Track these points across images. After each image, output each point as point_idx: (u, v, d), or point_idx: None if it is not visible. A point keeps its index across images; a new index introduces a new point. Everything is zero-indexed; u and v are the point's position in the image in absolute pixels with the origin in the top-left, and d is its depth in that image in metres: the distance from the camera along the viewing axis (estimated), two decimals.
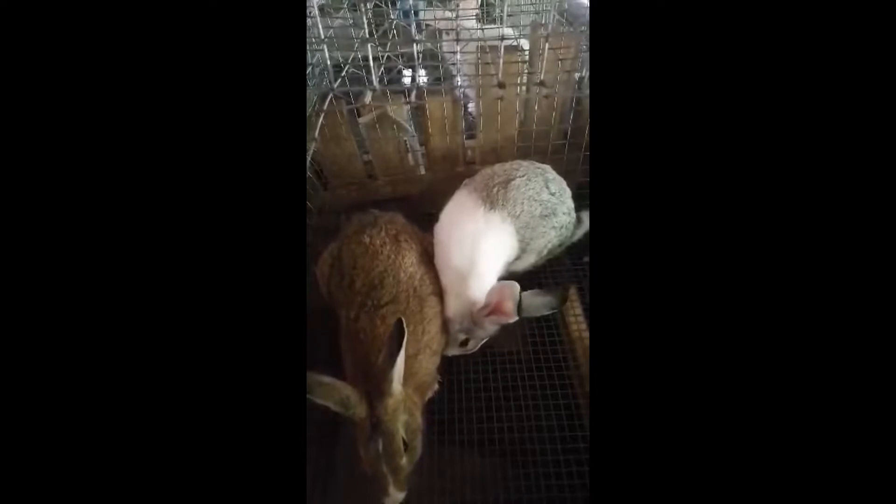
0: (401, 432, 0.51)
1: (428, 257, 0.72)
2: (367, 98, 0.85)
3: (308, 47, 0.79)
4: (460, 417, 0.67)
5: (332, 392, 0.50)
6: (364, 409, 0.50)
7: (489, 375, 0.74)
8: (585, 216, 0.84)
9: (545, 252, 0.78)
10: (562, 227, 0.77)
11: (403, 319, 0.50)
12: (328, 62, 0.77)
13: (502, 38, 0.83)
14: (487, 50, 0.87)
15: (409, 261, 0.67)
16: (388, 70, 0.97)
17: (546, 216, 0.75)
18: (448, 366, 0.72)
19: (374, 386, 0.51)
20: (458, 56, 0.83)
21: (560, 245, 0.80)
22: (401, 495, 0.50)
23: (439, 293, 0.70)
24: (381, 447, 0.49)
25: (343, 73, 0.79)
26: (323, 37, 0.76)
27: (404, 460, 0.51)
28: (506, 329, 0.76)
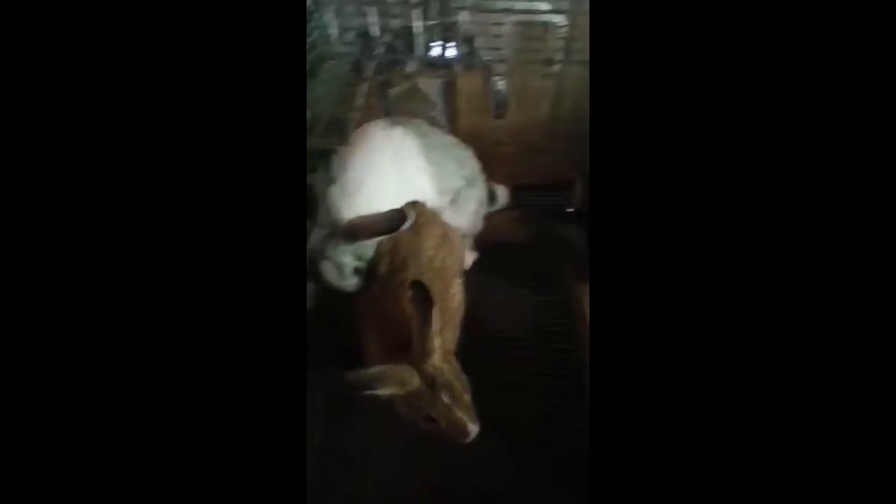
0: (454, 378, 0.53)
1: (450, 240, 0.72)
2: (411, 68, 0.82)
3: (342, 13, 0.76)
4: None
5: (388, 378, 0.51)
6: (417, 378, 0.52)
7: (502, 361, 0.74)
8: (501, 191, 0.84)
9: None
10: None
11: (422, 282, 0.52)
12: (369, 30, 0.74)
13: (541, 12, 0.79)
14: (524, 24, 0.84)
15: (430, 243, 0.67)
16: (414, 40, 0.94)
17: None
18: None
19: (416, 351, 0.53)
20: (500, 29, 0.80)
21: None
22: (477, 427, 0.53)
23: (461, 274, 0.70)
24: (445, 398, 0.52)
25: (383, 42, 0.76)
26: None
27: (468, 396, 0.53)
28: (514, 315, 0.77)
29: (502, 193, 0.88)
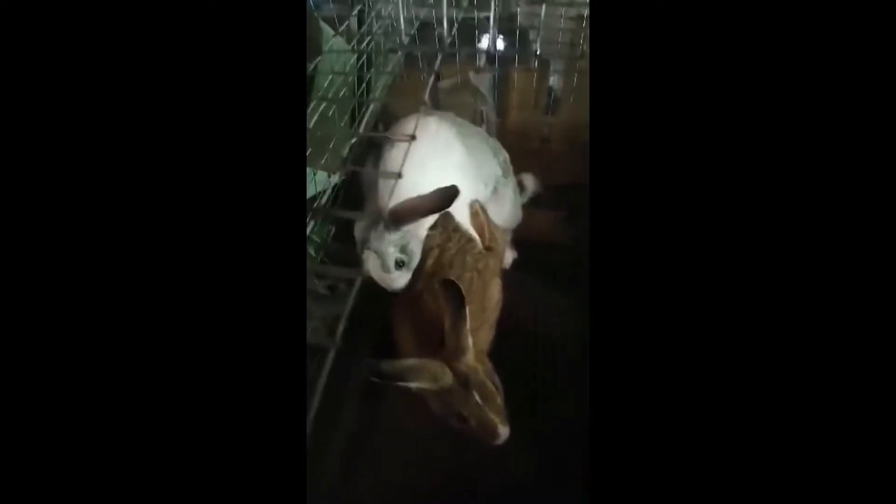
0: (487, 379, 0.53)
1: (494, 239, 0.71)
2: (481, 61, 0.81)
3: (409, 3, 0.76)
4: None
5: (422, 372, 0.52)
6: (449, 374, 0.52)
7: (537, 363, 0.74)
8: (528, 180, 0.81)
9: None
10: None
11: (462, 288, 0.51)
12: (444, 20, 0.73)
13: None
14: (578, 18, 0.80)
15: (474, 244, 0.66)
16: (472, 33, 0.92)
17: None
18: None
19: (451, 348, 0.53)
20: (559, 24, 0.77)
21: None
22: (507, 430, 0.53)
23: (500, 273, 0.69)
24: (478, 398, 0.52)
25: (441, 34, 0.75)
26: None
27: (500, 399, 0.54)
28: (555, 316, 0.76)
29: (530, 182, 0.86)
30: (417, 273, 0.64)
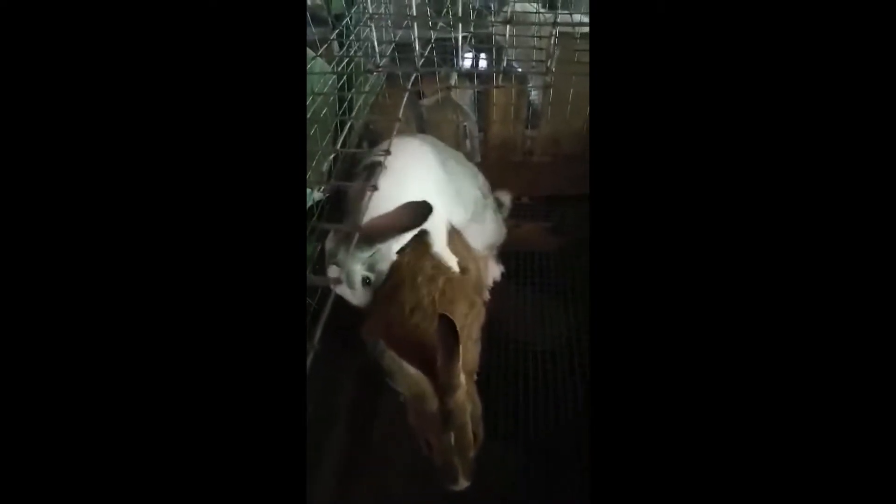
0: (470, 424, 0.51)
1: (467, 262, 0.68)
2: (453, 80, 0.84)
3: (388, 25, 0.78)
4: (495, 411, 0.67)
5: (412, 384, 0.51)
6: (436, 401, 0.51)
7: (528, 372, 0.73)
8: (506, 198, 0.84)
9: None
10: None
11: (448, 315, 0.49)
12: (417, 41, 0.75)
13: (578, 24, 0.79)
14: (560, 36, 0.83)
15: (430, 263, 0.63)
16: (450, 51, 0.95)
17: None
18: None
19: (443, 383, 0.52)
20: (536, 42, 0.80)
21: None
22: (467, 483, 0.51)
23: (477, 290, 0.67)
24: (452, 439, 0.50)
25: (419, 53, 0.77)
26: (416, 13, 0.75)
27: (472, 452, 0.52)
28: (544, 327, 0.77)
29: (506, 200, 0.87)
30: (374, 295, 0.62)
